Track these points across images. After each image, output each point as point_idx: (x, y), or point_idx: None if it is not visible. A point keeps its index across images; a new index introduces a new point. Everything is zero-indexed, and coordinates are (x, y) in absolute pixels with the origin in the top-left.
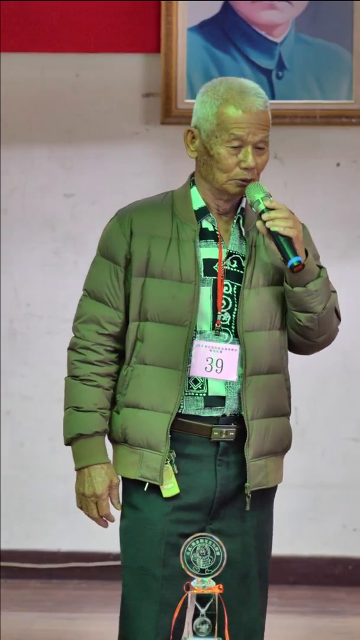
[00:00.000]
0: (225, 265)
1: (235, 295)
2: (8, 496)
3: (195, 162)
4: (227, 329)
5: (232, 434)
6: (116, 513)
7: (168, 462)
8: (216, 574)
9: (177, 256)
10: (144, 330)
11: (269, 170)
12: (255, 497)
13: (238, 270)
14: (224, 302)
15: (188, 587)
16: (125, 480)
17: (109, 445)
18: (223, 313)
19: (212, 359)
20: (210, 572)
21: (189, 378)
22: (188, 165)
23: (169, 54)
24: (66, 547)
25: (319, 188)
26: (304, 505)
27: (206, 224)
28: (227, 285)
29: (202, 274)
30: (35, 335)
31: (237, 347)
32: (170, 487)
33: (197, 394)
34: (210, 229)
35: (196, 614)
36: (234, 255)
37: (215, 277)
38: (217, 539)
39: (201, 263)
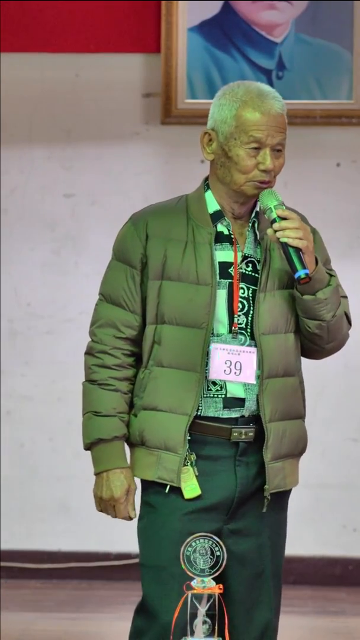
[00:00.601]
0: (241, 268)
1: (251, 298)
2: (8, 496)
3: (210, 165)
4: (244, 331)
5: (252, 434)
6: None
7: (189, 463)
8: (216, 574)
9: (193, 259)
10: (161, 332)
11: None
12: (272, 498)
13: (253, 274)
14: (240, 305)
15: (188, 587)
16: (144, 481)
17: (127, 450)
18: (239, 316)
19: (230, 361)
20: (210, 572)
21: (207, 380)
22: (188, 165)
23: (169, 54)
24: (66, 547)
25: (319, 188)
26: (304, 506)
27: (221, 228)
28: (242, 288)
29: (218, 276)
30: (35, 335)
31: (254, 349)
32: (191, 489)
33: (216, 396)
34: (226, 232)
35: (196, 614)
36: (249, 259)
37: (230, 280)
38: (217, 539)
39: (217, 266)
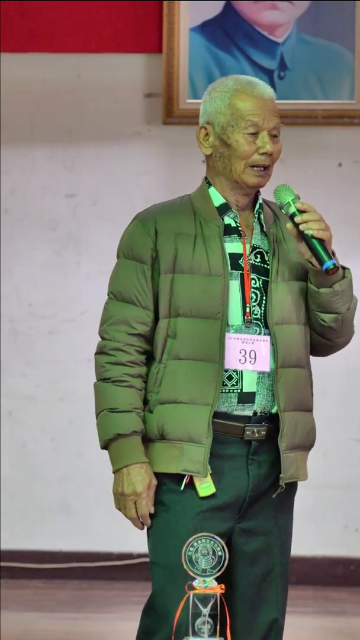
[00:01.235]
0: (250, 259)
1: (262, 288)
2: (9, 496)
3: (207, 162)
4: (258, 322)
5: (264, 432)
6: None
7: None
8: (218, 573)
9: (204, 251)
10: (175, 326)
11: None
12: (282, 495)
13: (262, 265)
14: (252, 295)
15: (190, 587)
16: (157, 479)
17: None
18: (253, 306)
19: (245, 350)
20: (212, 572)
21: (224, 373)
22: (190, 166)
23: (170, 54)
24: (67, 547)
25: (321, 188)
26: (306, 506)
27: (228, 220)
28: (254, 279)
29: (230, 268)
30: (37, 335)
31: (267, 338)
32: (206, 487)
33: (231, 390)
34: (233, 224)
35: (198, 614)
36: (257, 250)
37: (241, 272)
38: (219, 539)
39: (228, 257)
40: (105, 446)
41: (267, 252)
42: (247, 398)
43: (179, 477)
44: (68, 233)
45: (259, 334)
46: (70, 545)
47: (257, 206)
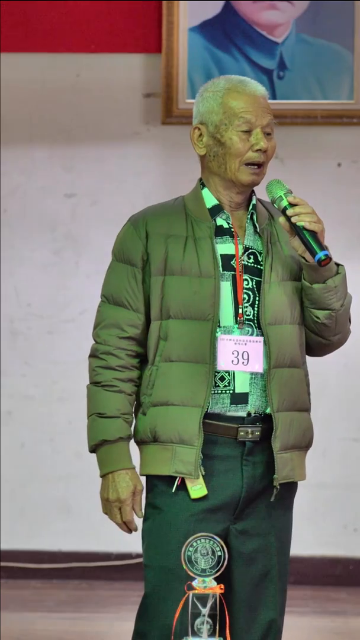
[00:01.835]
0: (242, 260)
1: (255, 289)
2: (9, 496)
3: (201, 163)
4: (251, 323)
5: (258, 433)
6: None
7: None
8: (217, 574)
9: (194, 253)
10: (167, 328)
11: (270, 170)
12: (279, 496)
13: (255, 265)
14: (245, 296)
15: (189, 587)
16: (149, 482)
17: (134, 452)
18: (246, 307)
19: (237, 351)
20: (211, 572)
21: (216, 374)
22: (189, 166)
23: (169, 54)
24: (67, 547)
25: (320, 188)
26: (305, 506)
27: (220, 221)
28: (246, 279)
29: (221, 268)
30: (36, 335)
31: (261, 339)
32: (198, 489)
33: (223, 391)
34: (225, 225)
35: (197, 614)
36: (250, 251)
37: (233, 272)
38: (218, 539)
39: (219, 258)
40: (92, 450)
41: (260, 253)
42: (240, 399)
43: (171, 480)
44: (67, 233)
45: (252, 334)
46: (70, 545)
47: (251, 206)
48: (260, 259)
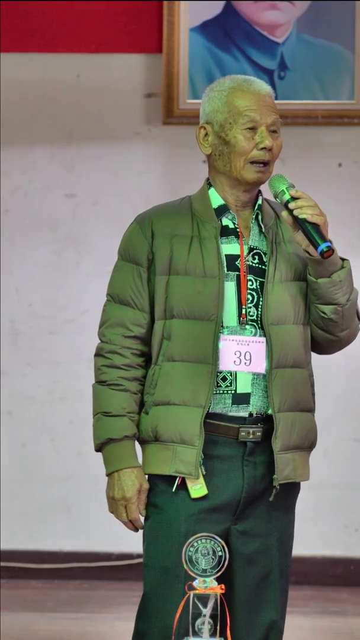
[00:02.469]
0: (247, 260)
1: (259, 289)
2: (9, 496)
3: (208, 162)
4: (254, 323)
5: (259, 434)
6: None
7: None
8: (218, 574)
9: (199, 253)
10: (170, 327)
11: None
12: (280, 496)
13: (260, 266)
14: (249, 296)
15: (190, 587)
16: (150, 481)
17: (139, 451)
18: (249, 308)
19: (239, 352)
20: (212, 572)
21: (218, 374)
22: (190, 166)
23: (170, 54)
24: (67, 548)
25: (321, 188)
26: (305, 506)
27: (226, 222)
28: (250, 280)
29: (226, 269)
30: (37, 335)
31: (263, 339)
32: (198, 488)
33: (225, 392)
34: (231, 226)
35: (198, 614)
36: (255, 251)
37: (237, 273)
38: (219, 539)
39: (224, 259)
40: (98, 449)
41: (265, 253)
42: (241, 399)
43: (172, 479)
44: (68, 233)
45: (255, 335)
46: (71, 545)
47: (256, 207)
48: (265, 259)
